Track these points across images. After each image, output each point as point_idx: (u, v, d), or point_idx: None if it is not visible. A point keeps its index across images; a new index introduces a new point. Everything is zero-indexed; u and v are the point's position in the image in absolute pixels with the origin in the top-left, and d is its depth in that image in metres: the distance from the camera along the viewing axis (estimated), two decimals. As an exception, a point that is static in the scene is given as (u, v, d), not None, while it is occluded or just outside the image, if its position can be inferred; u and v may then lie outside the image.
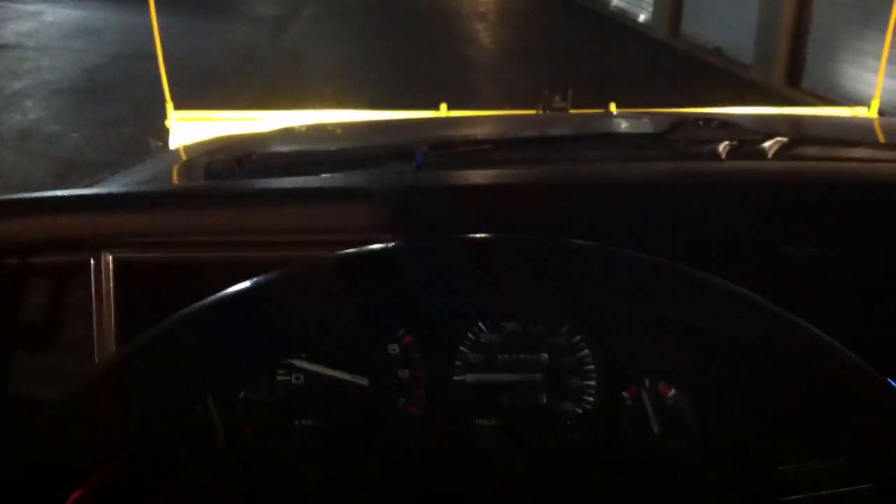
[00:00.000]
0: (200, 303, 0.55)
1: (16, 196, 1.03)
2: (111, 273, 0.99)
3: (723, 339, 0.58)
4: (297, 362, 1.06)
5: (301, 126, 1.87)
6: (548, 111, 2.05)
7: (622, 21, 13.86)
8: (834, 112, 3.00)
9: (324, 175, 1.13)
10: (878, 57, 7.23)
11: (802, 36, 8.76)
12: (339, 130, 1.88)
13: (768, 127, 1.44)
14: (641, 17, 13.43)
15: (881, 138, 1.54)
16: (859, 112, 2.90)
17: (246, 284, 0.55)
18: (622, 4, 14.58)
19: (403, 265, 0.58)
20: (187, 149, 1.80)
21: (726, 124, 1.39)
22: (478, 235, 0.60)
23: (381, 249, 0.57)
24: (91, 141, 6.23)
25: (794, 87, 8.77)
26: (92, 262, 0.99)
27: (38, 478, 0.51)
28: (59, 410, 0.51)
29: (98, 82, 8.07)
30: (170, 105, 2.46)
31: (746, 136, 1.32)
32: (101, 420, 0.52)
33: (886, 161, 1.29)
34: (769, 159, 1.26)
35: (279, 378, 1.06)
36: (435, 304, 0.60)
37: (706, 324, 0.58)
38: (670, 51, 11.23)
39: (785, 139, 1.28)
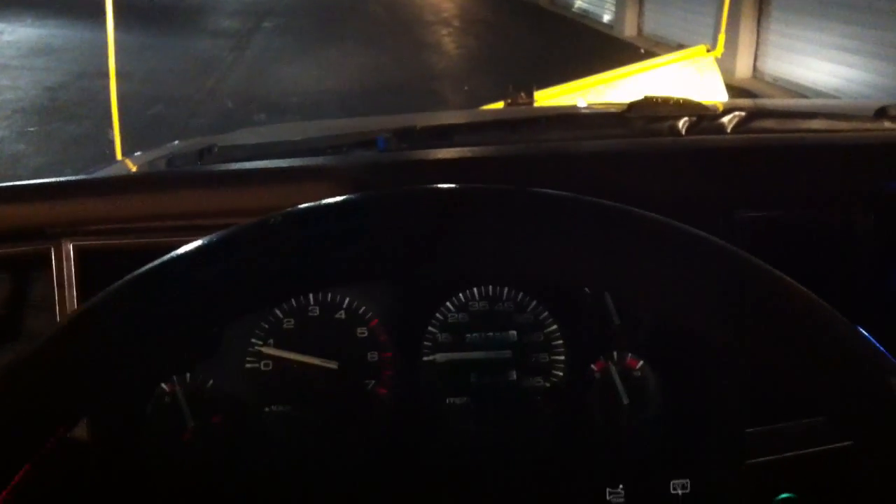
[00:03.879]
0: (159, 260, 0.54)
1: None
2: (73, 261, 0.98)
3: (690, 298, 0.57)
4: (265, 349, 1.05)
5: (263, 127, 1.87)
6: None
7: (585, 22, 13.96)
8: (676, 56, 3.05)
9: (286, 160, 1.13)
10: (837, 47, 7.34)
11: (762, 31, 8.88)
12: (302, 128, 1.88)
13: (728, 105, 1.46)
14: (605, 18, 13.52)
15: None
16: (701, 53, 2.94)
17: (200, 241, 0.54)
18: (585, 5, 14.69)
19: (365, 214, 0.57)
20: (149, 153, 1.79)
21: (685, 102, 1.41)
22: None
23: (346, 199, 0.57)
24: (55, 160, 6.17)
25: (757, 77, 8.89)
26: (53, 251, 0.98)
27: None
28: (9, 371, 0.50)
29: (60, 101, 8.01)
30: (119, 154, 2.41)
31: (704, 112, 1.33)
32: (58, 380, 0.51)
33: (840, 131, 1.31)
34: (728, 133, 1.27)
35: (248, 365, 1.05)
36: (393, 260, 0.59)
37: (672, 272, 0.57)
38: (634, 50, 11.32)
39: (742, 113, 1.30)
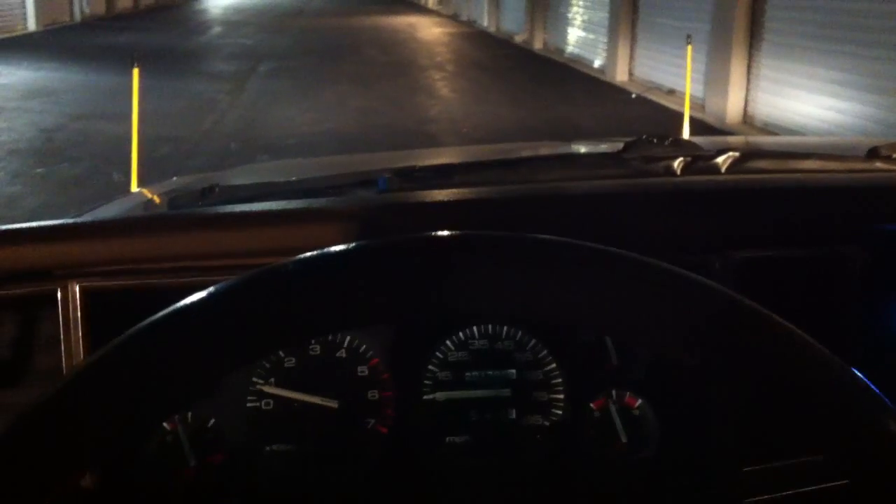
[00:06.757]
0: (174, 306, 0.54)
1: None
2: (78, 302, 0.99)
3: (686, 337, 0.58)
4: (266, 388, 1.06)
5: (264, 164, 1.88)
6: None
7: (577, 67, 14.10)
8: None
9: (287, 201, 1.14)
10: (825, 92, 7.47)
11: (752, 76, 8.99)
12: (302, 166, 1.89)
13: (722, 145, 1.48)
14: (596, 63, 13.67)
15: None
16: None
17: (204, 293, 0.55)
18: (576, 51, 14.85)
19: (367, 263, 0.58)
20: (151, 189, 1.80)
21: (680, 142, 1.43)
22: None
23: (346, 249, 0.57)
24: (50, 202, 6.17)
25: (748, 122, 8.98)
26: (59, 292, 0.99)
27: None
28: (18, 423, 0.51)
29: (56, 142, 8.03)
30: (134, 185, 2.47)
31: (700, 152, 1.35)
32: (65, 431, 0.51)
33: (834, 171, 1.33)
34: (722, 173, 1.29)
35: (249, 404, 1.06)
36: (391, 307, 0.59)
37: (662, 309, 0.58)
38: (625, 94, 11.43)
39: (737, 154, 1.31)
